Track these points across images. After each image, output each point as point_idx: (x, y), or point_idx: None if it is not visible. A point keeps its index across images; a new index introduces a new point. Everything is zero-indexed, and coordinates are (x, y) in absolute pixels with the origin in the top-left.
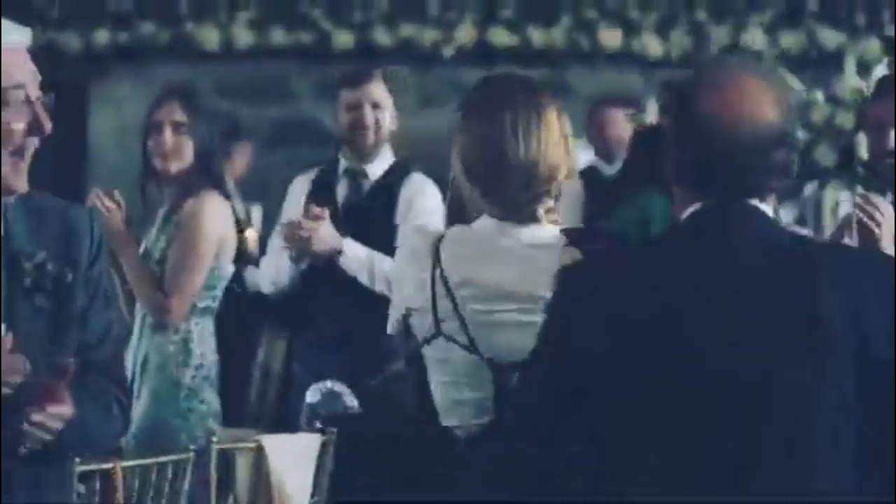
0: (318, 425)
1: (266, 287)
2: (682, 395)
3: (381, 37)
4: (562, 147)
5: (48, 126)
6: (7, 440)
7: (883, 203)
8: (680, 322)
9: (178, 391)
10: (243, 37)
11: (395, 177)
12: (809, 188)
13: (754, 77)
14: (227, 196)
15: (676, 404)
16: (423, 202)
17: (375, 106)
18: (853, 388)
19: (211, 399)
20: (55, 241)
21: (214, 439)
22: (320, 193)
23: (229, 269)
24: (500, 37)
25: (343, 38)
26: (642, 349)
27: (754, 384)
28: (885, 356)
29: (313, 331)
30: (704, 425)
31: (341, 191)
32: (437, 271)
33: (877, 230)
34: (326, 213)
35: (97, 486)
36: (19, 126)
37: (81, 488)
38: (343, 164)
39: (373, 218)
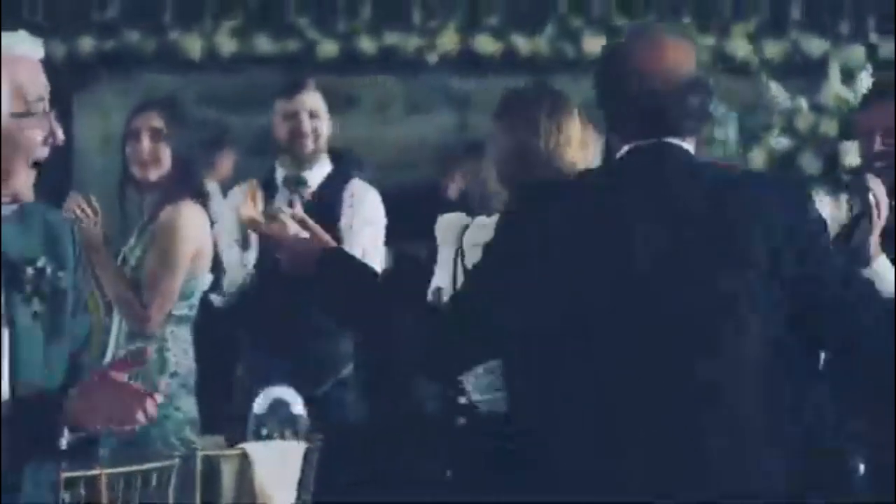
0: (265, 434)
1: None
2: (618, 303)
3: (366, 45)
4: (581, 148)
5: (61, 136)
6: (43, 435)
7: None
8: (616, 242)
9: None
10: (228, 45)
11: (336, 183)
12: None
13: (667, 36)
14: (206, 204)
15: (613, 311)
16: (367, 203)
17: (312, 115)
18: (769, 301)
19: (187, 407)
20: (46, 245)
21: (199, 446)
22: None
23: (206, 277)
24: (485, 44)
25: (328, 47)
26: (578, 263)
27: (682, 293)
28: (793, 273)
29: (261, 335)
30: (635, 332)
31: (281, 199)
32: (459, 256)
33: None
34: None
35: (82, 492)
36: (40, 137)
37: (67, 496)
38: (281, 172)
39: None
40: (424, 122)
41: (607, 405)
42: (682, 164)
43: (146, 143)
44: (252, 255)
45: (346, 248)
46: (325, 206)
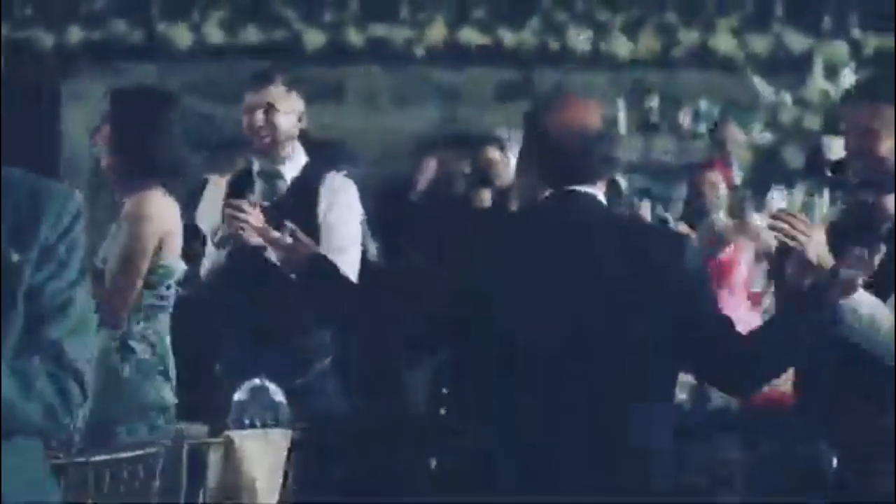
0: (247, 422)
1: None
2: (533, 320)
3: (353, 36)
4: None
5: None
6: None
7: (796, 216)
8: (531, 270)
9: (118, 387)
10: (215, 36)
11: (312, 176)
12: (777, 189)
13: (576, 99)
14: (177, 192)
15: (530, 325)
16: (344, 196)
17: (269, 109)
18: (643, 331)
19: (156, 396)
20: (6, 220)
21: (186, 434)
22: (237, 195)
23: (177, 266)
24: (471, 37)
25: (315, 38)
26: (506, 286)
27: (577, 319)
28: (666, 311)
29: (239, 327)
30: (543, 346)
31: (257, 192)
32: None
33: (797, 243)
34: (257, 206)
35: (68, 480)
36: None
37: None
38: (257, 166)
39: (293, 217)
40: (411, 114)
41: (525, 403)
42: (586, 210)
43: (106, 131)
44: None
45: (324, 242)
46: (301, 200)
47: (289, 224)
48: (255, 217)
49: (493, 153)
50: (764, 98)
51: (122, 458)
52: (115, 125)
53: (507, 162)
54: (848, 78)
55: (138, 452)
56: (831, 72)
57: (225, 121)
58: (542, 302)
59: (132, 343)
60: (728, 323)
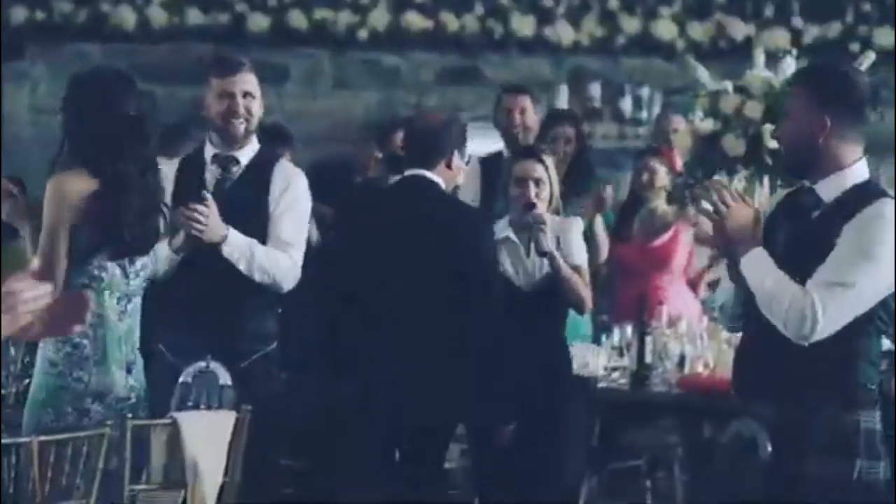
0: (190, 404)
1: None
2: (386, 282)
3: (297, 20)
4: None
5: None
6: None
7: (719, 185)
8: (382, 245)
9: (51, 369)
10: (159, 17)
11: (265, 163)
12: (718, 177)
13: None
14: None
15: (385, 286)
16: (296, 188)
17: (246, 95)
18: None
19: (92, 379)
20: None
21: (129, 416)
22: (188, 179)
23: (101, 245)
24: (414, 22)
25: (258, 21)
26: (364, 261)
27: (412, 281)
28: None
29: (180, 313)
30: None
31: (210, 177)
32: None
33: (717, 215)
34: (212, 200)
35: (13, 460)
36: None
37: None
38: (211, 150)
39: (245, 203)
40: (353, 97)
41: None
42: (419, 190)
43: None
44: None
45: (271, 233)
46: (253, 188)
47: (205, 193)
48: (212, 217)
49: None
50: (705, 86)
51: (66, 438)
52: (66, 108)
53: None
54: (788, 66)
55: (81, 434)
56: (772, 60)
57: (168, 102)
58: (388, 267)
59: None
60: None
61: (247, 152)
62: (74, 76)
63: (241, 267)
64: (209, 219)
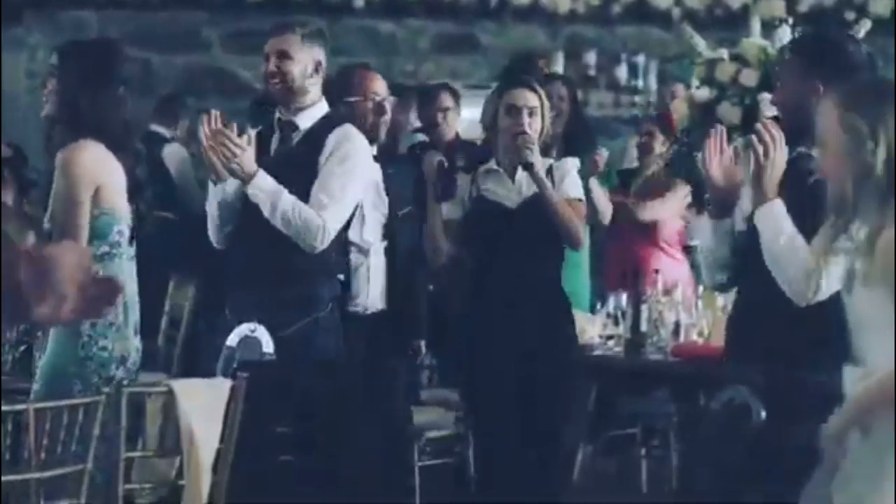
0: (234, 368)
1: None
2: None
3: None
4: None
5: None
6: None
7: (777, 130)
8: None
9: (76, 339)
10: None
11: (324, 128)
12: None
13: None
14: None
15: None
16: (345, 150)
17: (281, 56)
18: None
19: (115, 346)
20: None
21: (125, 383)
22: (261, 143)
23: (120, 210)
24: None
25: None
26: None
27: None
28: None
29: (238, 274)
30: None
31: (274, 141)
32: None
33: (765, 152)
34: (253, 138)
35: (9, 427)
36: None
37: None
38: (277, 115)
39: (298, 164)
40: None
41: None
42: None
43: (50, 84)
44: (230, 187)
45: (312, 195)
46: (307, 151)
47: (248, 128)
48: (246, 152)
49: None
50: (701, 54)
51: (62, 405)
52: (62, 78)
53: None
54: (785, 34)
55: (77, 401)
56: (768, 28)
57: (164, 70)
58: None
59: None
60: None
61: (306, 117)
62: (65, 45)
63: (265, 212)
64: (242, 152)
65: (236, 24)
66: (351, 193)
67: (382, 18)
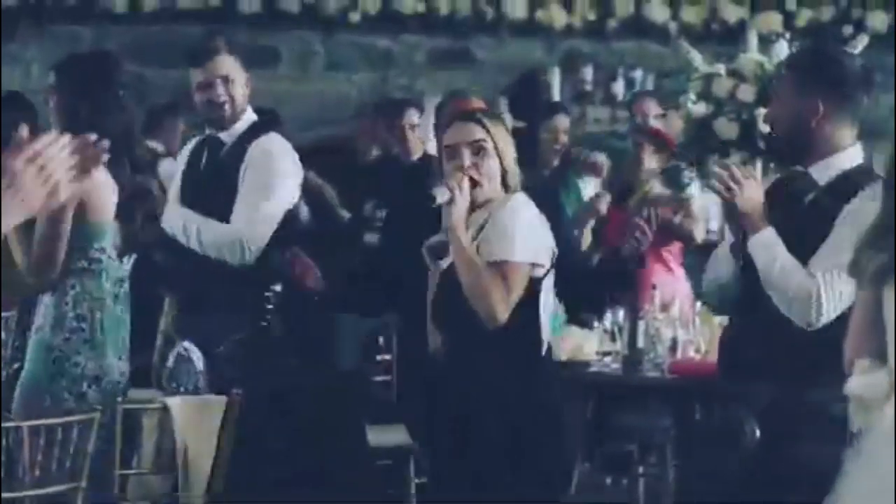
0: (174, 386)
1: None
2: None
3: (288, 2)
4: None
5: None
6: None
7: (737, 169)
8: None
9: (49, 354)
10: None
11: (246, 138)
12: (711, 161)
13: None
14: (152, 164)
15: None
16: (265, 160)
17: (226, 81)
18: None
19: (88, 363)
20: None
21: (119, 399)
22: (194, 160)
23: (103, 227)
24: (407, 4)
25: (250, 2)
26: None
27: None
28: None
29: (182, 293)
30: None
31: (204, 158)
32: None
33: (730, 194)
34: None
35: (3, 443)
36: None
37: None
38: (205, 131)
39: (224, 178)
40: (345, 80)
41: None
42: None
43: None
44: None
45: (236, 202)
46: (230, 163)
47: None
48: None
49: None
50: (697, 68)
51: (57, 423)
52: (61, 91)
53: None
54: (782, 49)
55: (71, 418)
56: (765, 43)
57: (158, 84)
58: None
59: (65, 309)
60: None
61: (232, 133)
62: (64, 60)
63: (181, 240)
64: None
65: (232, 37)
66: (274, 202)
67: (378, 33)
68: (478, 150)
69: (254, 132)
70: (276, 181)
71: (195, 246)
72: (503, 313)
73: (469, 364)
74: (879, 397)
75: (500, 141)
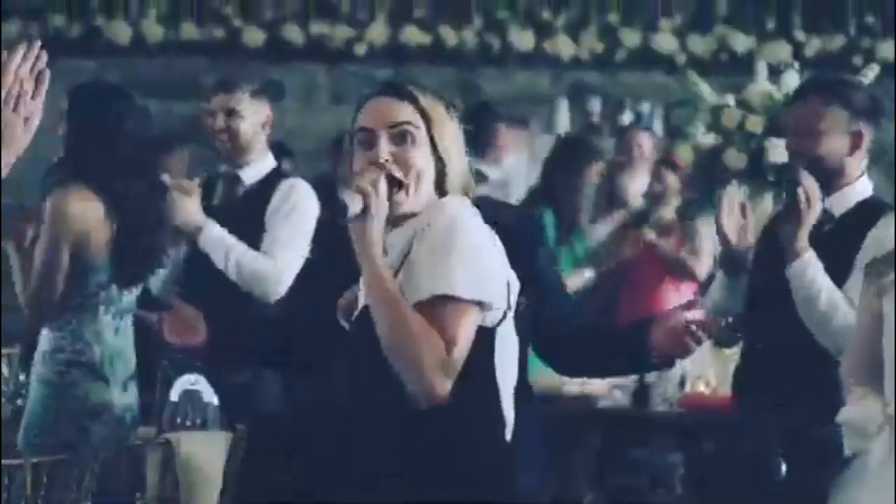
0: (178, 422)
1: None
2: None
3: (293, 34)
4: None
5: None
6: None
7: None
8: None
9: (46, 389)
10: (154, 32)
11: (271, 182)
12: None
13: None
14: (163, 198)
15: None
16: (292, 202)
17: (229, 114)
18: None
19: (90, 396)
20: None
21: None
22: (205, 195)
23: (101, 263)
24: (412, 36)
25: (254, 35)
26: None
27: None
28: None
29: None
30: None
31: (217, 193)
32: None
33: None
34: (197, 188)
35: (6, 482)
36: None
37: None
38: (221, 168)
39: (243, 217)
40: (350, 112)
41: None
42: None
43: (61, 129)
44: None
45: (264, 241)
46: (253, 204)
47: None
48: (190, 203)
49: None
50: (705, 99)
51: (60, 459)
52: (70, 120)
53: None
54: (791, 79)
55: (75, 455)
56: (774, 73)
57: (163, 117)
58: None
59: (62, 343)
60: None
61: (253, 171)
62: (76, 88)
63: (218, 261)
64: (183, 203)
65: (235, 70)
66: (300, 245)
67: (383, 65)
68: (402, 136)
69: (278, 174)
70: (305, 227)
71: (231, 271)
72: (442, 383)
73: (400, 461)
74: (872, 426)
75: (438, 126)
